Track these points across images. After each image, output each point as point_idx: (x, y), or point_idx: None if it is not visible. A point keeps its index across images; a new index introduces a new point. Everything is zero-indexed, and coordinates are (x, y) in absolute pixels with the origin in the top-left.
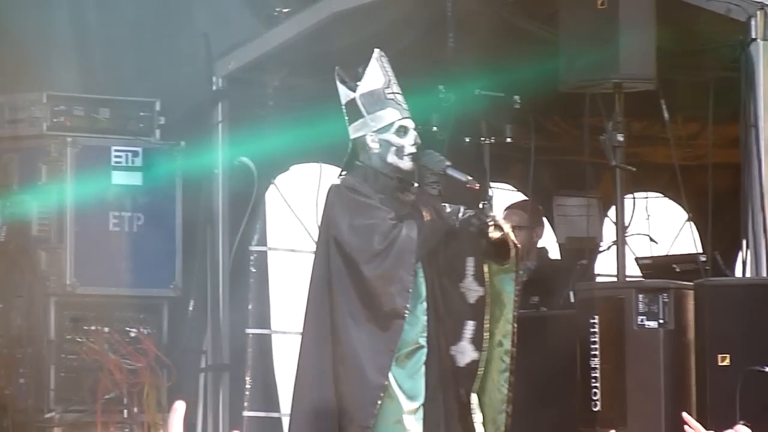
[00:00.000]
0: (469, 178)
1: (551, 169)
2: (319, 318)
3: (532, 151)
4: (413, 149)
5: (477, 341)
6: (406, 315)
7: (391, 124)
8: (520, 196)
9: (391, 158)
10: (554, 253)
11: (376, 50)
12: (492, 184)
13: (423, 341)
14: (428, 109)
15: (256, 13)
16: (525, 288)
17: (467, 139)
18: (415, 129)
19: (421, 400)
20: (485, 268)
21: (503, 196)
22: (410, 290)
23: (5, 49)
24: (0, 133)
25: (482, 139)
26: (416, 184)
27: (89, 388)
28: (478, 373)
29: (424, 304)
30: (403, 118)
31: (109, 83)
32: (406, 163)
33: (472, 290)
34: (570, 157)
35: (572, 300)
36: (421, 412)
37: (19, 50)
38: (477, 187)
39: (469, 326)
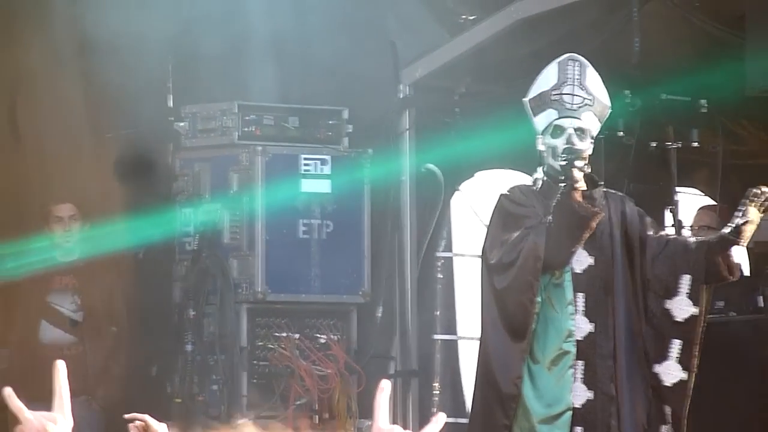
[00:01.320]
0: (587, 168)
1: (739, 173)
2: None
3: (720, 156)
4: (565, 147)
5: (685, 361)
6: (533, 324)
7: (549, 125)
8: (707, 201)
9: (550, 160)
10: (743, 257)
11: (568, 54)
12: (678, 189)
13: (569, 347)
14: (614, 114)
15: (442, 21)
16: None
17: (653, 144)
18: (576, 131)
19: (563, 407)
20: (703, 288)
21: (690, 200)
22: (538, 296)
23: (198, 61)
24: (192, 142)
25: (669, 143)
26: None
27: (281, 394)
28: (688, 393)
29: (570, 308)
30: (559, 118)
31: (298, 92)
32: (560, 164)
33: (683, 309)
34: (758, 160)
35: (761, 305)
36: (565, 418)
37: (210, 61)
38: (589, 173)
39: (676, 345)
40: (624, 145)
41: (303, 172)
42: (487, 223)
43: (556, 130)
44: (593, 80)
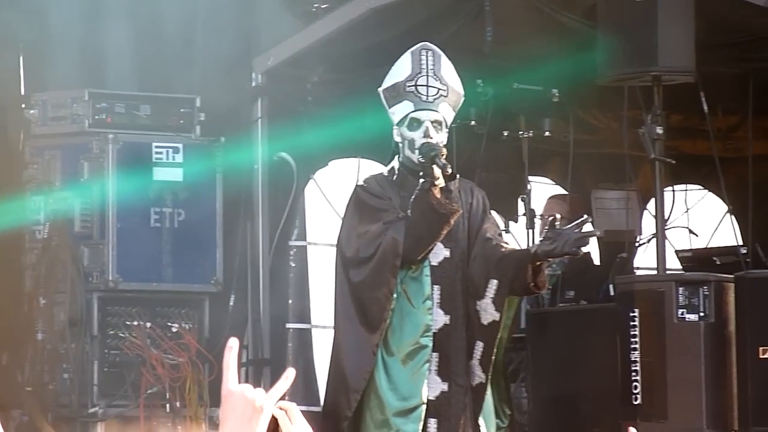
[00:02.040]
0: (448, 167)
1: (590, 163)
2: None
3: (571, 145)
4: (423, 141)
5: (484, 364)
6: (387, 319)
7: (405, 117)
8: (558, 190)
9: (407, 152)
10: (592, 247)
11: (421, 43)
12: (530, 178)
13: (426, 341)
14: (466, 103)
15: (295, 10)
16: (560, 282)
17: (505, 133)
18: (433, 123)
19: (417, 401)
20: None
21: (542, 190)
22: (394, 292)
23: (48, 48)
24: (42, 130)
25: (521, 132)
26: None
27: (132, 383)
28: (486, 396)
29: (428, 303)
30: (416, 110)
31: (149, 80)
32: (417, 157)
33: (488, 312)
34: (609, 150)
35: (612, 293)
36: (418, 413)
37: (61, 48)
38: (449, 173)
39: (479, 347)
40: (476, 134)
41: (155, 160)
42: (342, 214)
43: (413, 123)
44: (447, 70)
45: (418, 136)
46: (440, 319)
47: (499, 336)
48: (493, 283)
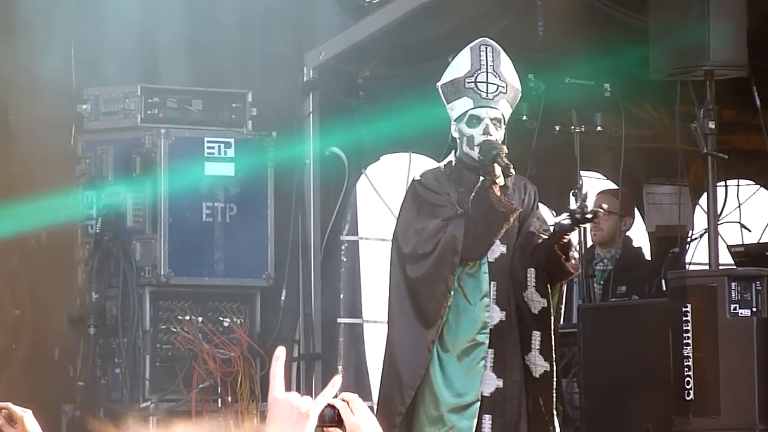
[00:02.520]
0: (510, 167)
1: (642, 158)
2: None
3: (623, 140)
4: (483, 139)
5: (546, 353)
6: (444, 315)
7: (464, 114)
8: (610, 185)
9: (466, 148)
10: (643, 242)
11: (481, 39)
12: (582, 173)
13: (483, 338)
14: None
15: (346, 4)
16: (612, 277)
17: (557, 128)
18: (493, 121)
19: (472, 398)
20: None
21: (594, 184)
22: (451, 290)
23: (100, 42)
24: (95, 125)
25: (572, 127)
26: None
27: (183, 378)
28: (554, 385)
29: (486, 300)
30: (475, 107)
31: (202, 75)
32: (476, 153)
33: (535, 301)
34: (661, 145)
35: (664, 288)
36: (473, 409)
37: (114, 42)
38: (511, 173)
39: (536, 336)
40: (528, 128)
41: (207, 155)
42: (398, 208)
43: (472, 119)
44: (506, 66)
45: (477, 133)
46: (496, 315)
47: (553, 322)
48: (531, 272)
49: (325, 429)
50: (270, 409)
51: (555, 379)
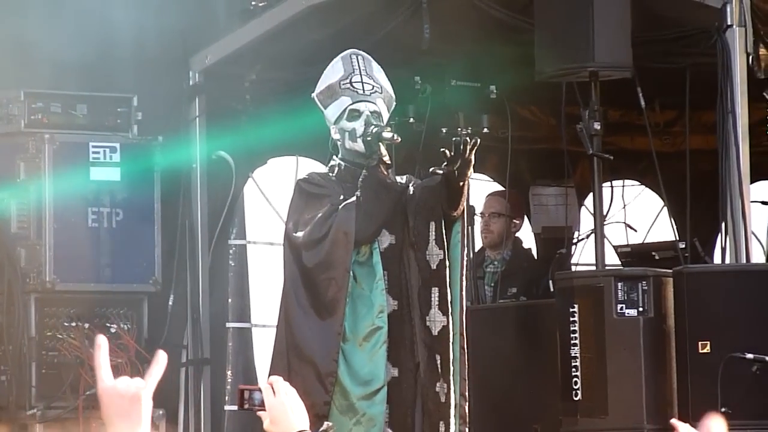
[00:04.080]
0: (396, 137)
1: (528, 159)
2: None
3: (509, 141)
4: (367, 126)
5: (443, 306)
6: (346, 299)
7: (343, 111)
8: (497, 187)
9: (348, 143)
10: (531, 243)
11: (350, 50)
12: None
13: (381, 322)
14: (405, 101)
15: (232, 7)
16: (502, 279)
17: (444, 130)
18: (372, 114)
19: (380, 383)
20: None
21: (480, 186)
22: (350, 271)
23: None
24: None
25: (459, 129)
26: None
27: (70, 385)
28: (451, 337)
29: (381, 284)
30: (354, 102)
31: (86, 80)
32: (359, 145)
33: (434, 255)
34: (547, 146)
35: (551, 289)
36: (382, 395)
37: None
38: (398, 140)
39: (434, 293)
40: (414, 131)
41: (92, 160)
42: (286, 210)
43: (352, 114)
44: (379, 72)
45: (359, 126)
46: (389, 304)
47: (449, 274)
48: (432, 225)
49: (256, 412)
50: (101, 401)
51: (452, 333)
